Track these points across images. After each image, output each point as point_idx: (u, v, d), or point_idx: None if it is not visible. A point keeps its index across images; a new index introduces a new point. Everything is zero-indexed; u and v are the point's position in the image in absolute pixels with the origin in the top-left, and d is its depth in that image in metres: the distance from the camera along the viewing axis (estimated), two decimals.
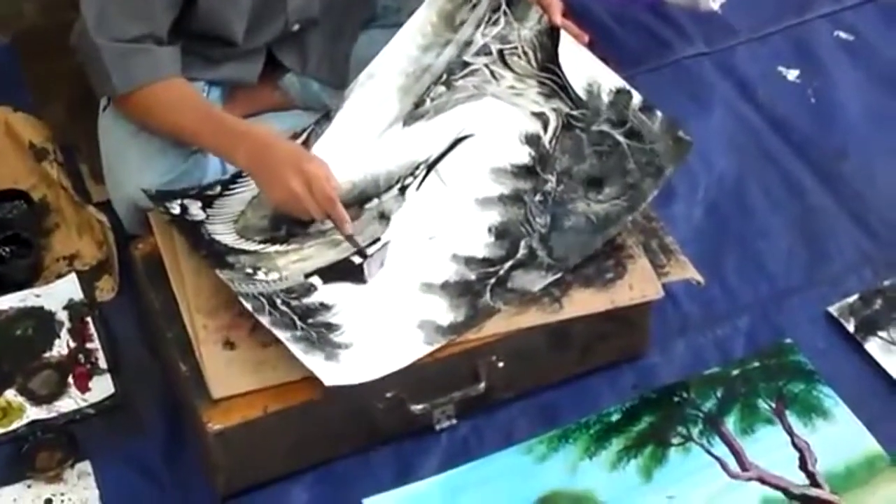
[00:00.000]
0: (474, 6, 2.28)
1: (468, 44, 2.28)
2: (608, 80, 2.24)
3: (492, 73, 2.26)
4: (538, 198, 2.17)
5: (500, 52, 2.27)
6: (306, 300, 2.05)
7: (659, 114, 2.22)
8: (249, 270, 2.07)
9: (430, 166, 2.20)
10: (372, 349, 2.01)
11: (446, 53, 2.27)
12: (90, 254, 2.40)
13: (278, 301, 2.04)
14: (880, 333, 2.25)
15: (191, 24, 2.25)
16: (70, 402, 2.19)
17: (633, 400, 2.18)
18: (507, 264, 2.11)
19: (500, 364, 2.10)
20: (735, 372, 2.20)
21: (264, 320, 2.00)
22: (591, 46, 2.68)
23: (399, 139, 2.23)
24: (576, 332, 2.13)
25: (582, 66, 2.25)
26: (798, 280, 2.35)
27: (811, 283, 2.34)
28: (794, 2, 2.86)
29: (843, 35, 2.79)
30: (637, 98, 2.23)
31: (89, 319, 2.29)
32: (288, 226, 2.13)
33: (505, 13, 2.28)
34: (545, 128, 2.23)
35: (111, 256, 2.36)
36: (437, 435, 2.14)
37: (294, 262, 2.10)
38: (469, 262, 2.12)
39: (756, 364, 2.22)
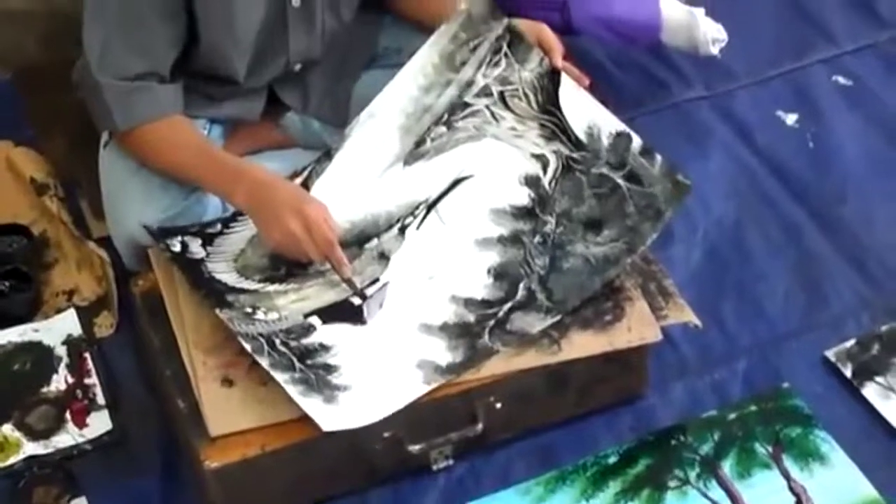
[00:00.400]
0: (475, 48, 2.29)
1: (469, 85, 2.28)
2: (608, 124, 2.25)
3: (492, 114, 2.27)
4: (537, 239, 2.18)
5: (501, 93, 2.28)
6: (305, 341, 2.05)
7: (658, 157, 2.22)
8: (249, 310, 2.07)
9: (430, 206, 2.21)
10: (371, 391, 2.01)
11: (447, 94, 2.28)
12: (89, 289, 2.40)
13: (277, 341, 2.04)
14: (878, 378, 2.25)
15: (193, 62, 2.26)
16: (67, 437, 2.18)
17: (630, 442, 2.18)
18: (506, 306, 2.12)
19: (498, 405, 2.10)
20: (732, 415, 2.20)
21: (264, 362, 2.00)
22: (591, 88, 2.70)
23: (399, 179, 2.24)
24: (574, 373, 2.13)
25: (582, 109, 2.26)
26: (796, 324, 2.36)
27: (809, 327, 2.35)
28: (792, 47, 2.88)
29: (841, 80, 2.81)
30: (637, 141, 2.23)
31: (88, 355, 2.29)
32: (287, 265, 2.13)
33: (506, 55, 2.29)
34: (545, 169, 2.24)
35: (110, 292, 2.37)
36: (434, 475, 2.14)
37: (293, 302, 2.10)
38: (468, 303, 2.13)
39: (753, 408, 2.22)
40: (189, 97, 2.26)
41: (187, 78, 2.26)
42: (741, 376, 2.28)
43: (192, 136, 2.24)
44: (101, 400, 2.23)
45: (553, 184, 2.22)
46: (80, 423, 2.20)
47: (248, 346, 2.01)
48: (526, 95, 2.27)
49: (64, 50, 2.40)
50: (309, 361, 2.02)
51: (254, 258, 2.15)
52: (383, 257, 2.16)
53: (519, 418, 2.15)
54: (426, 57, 2.28)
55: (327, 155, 2.24)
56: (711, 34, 2.64)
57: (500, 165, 2.25)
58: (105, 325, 2.36)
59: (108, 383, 2.26)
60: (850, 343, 2.30)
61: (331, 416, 1.96)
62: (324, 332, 2.07)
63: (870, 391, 2.24)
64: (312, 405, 1.97)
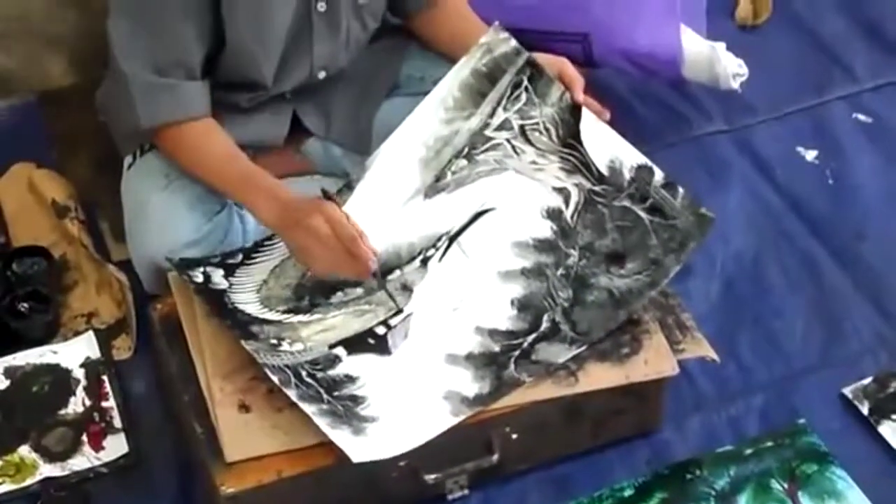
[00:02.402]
0: (496, 81, 2.29)
1: (490, 118, 2.28)
2: (630, 156, 2.26)
3: (513, 147, 2.27)
4: (560, 272, 2.18)
5: (522, 127, 2.28)
6: (331, 372, 2.05)
7: (681, 190, 2.23)
8: (274, 341, 2.07)
9: (452, 238, 2.21)
10: (398, 422, 2.01)
11: (468, 127, 2.27)
12: (108, 312, 2.41)
13: (304, 373, 2.03)
14: (894, 417, 2.25)
15: (220, 70, 2.27)
16: (84, 460, 2.19)
17: (645, 476, 2.17)
18: (531, 337, 2.12)
19: (514, 436, 2.10)
20: (748, 451, 2.20)
21: (292, 394, 2.00)
22: (611, 122, 2.71)
23: (420, 211, 2.23)
24: (590, 406, 2.13)
25: (604, 142, 2.26)
26: (813, 360, 2.35)
27: (826, 363, 2.35)
28: (813, 83, 2.88)
29: (861, 117, 2.81)
30: (659, 174, 2.24)
31: (105, 378, 2.30)
32: (311, 296, 2.13)
33: (526, 89, 2.29)
34: (567, 202, 2.24)
35: (129, 316, 2.37)
36: None
37: (318, 333, 2.10)
38: (493, 334, 2.13)
39: (769, 444, 2.21)
40: (215, 111, 2.27)
41: (213, 88, 2.27)
42: (758, 412, 2.28)
43: (221, 145, 2.22)
44: (117, 423, 2.24)
45: (575, 217, 2.22)
46: (97, 446, 2.21)
47: (275, 378, 2.01)
48: (547, 129, 2.27)
49: (88, 72, 2.41)
50: (336, 393, 2.02)
51: (276, 289, 2.15)
52: (406, 289, 2.16)
53: (534, 449, 2.15)
54: (448, 89, 2.28)
55: (348, 186, 2.24)
56: (732, 69, 2.64)
57: (522, 198, 2.25)
58: (123, 348, 2.37)
59: (125, 406, 2.26)
60: (868, 380, 2.30)
61: (360, 447, 1.96)
62: (349, 363, 2.07)
63: (886, 429, 2.23)
64: (342, 437, 1.96)
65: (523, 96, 2.28)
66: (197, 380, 2.09)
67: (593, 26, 2.68)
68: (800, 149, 2.75)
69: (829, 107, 2.84)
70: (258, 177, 2.18)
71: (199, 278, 2.14)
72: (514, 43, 2.30)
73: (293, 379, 2.02)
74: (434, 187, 2.24)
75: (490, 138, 2.27)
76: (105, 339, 2.36)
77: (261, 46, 2.25)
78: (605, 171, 2.25)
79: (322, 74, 2.37)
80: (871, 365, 2.33)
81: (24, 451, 2.20)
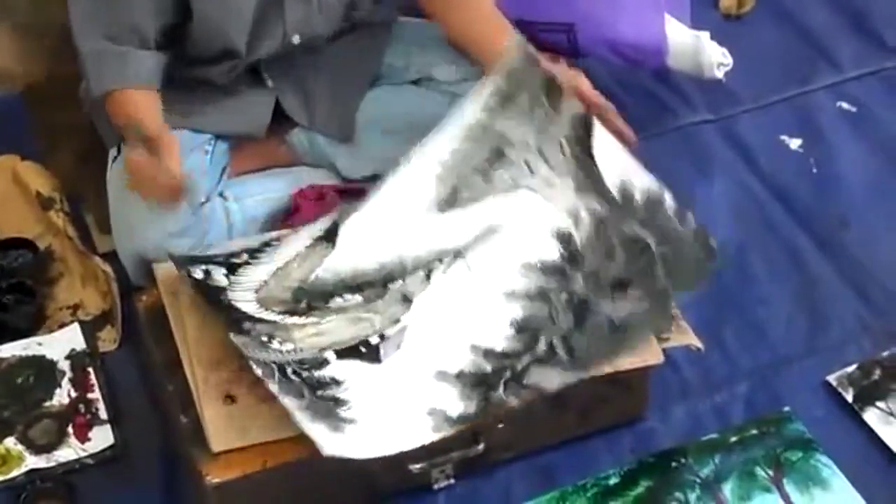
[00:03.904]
0: (514, 98, 2.26)
1: (506, 135, 2.24)
2: (642, 182, 2.22)
3: (528, 165, 2.23)
4: (564, 296, 2.13)
5: (539, 143, 2.24)
6: (318, 373, 2.03)
7: (691, 219, 2.20)
8: (265, 338, 2.05)
9: (458, 254, 2.17)
10: (377, 429, 1.99)
11: (485, 145, 2.24)
12: (94, 304, 2.41)
13: (289, 370, 2.02)
14: (879, 404, 2.25)
15: (190, 42, 2.27)
16: (69, 451, 2.19)
17: (630, 464, 2.18)
18: (525, 359, 2.08)
19: (500, 425, 2.11)
20: (733, 438, 2.21)
21: (273, 387, 1.99)
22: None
23: (431, 225, 2.19)
24: (575, 395, 2.13)
25: (617, 165, 2.23)
26: (797, 348, 2.36)
27: (811, 351, 2.35)
28: (797, 72, 2.89)
29: (845, 106, 2.81)
30: (670, 202, 2.21)
31: (91, 369, 2.30)
32: (310, 299, 2.11)
33: (543, 105, 2.26)
34: (577, 225, 2.19)
35: (114, 307, 2.37)
36: (434, 494, 2.14)
37: (310, 336, 2.07)
38: (487, 353, 2.08)
39: (754, 431, 2.22)
40: (193, 96, 2.26)
41: (186, 68, 2.28)
42: (742, 399, 2.28)
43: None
44: (103, 414, 2.24)
45: (584, 240, 2.18)
46: (83, 438, 2.21)
47: (258, 371, 2.00)
48: (561, 146, 2.24)
49: (72, 65, 2.41)
50: (319, 392, 2.00)
51: (276, 290, 2.12)
52: (406, 299, 2.13)
53: (520, 438, 2.15)
54: (467, 107, 2.25)
55: (360, 197, 2.23)
56: (716, 58, 2.65)
57: (533, 218, 2.21)
58: (108, 339, 2.37)
59: (110, 398, 2.26)
60: (852, 368, 2.31)
61: (334, 442, 1.95)
62: (337, 367, 2.05)
63: (871, 416, 2.24)
64: (317, 430, 1.95)
65: (541, 112, 2.26)
66: (182, 371, 2.09)
67: (578, 16, 2.68)
68: (784, 137, 2.75)
69: (814, 96, 2.84)
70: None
71: (200, 275, 2.12)
72: (533, 57, 2.29)
73: (277, 373, 2.00)
74: (448, 202, 2.21)
75: (506, 155, 2.23)
76: (90, 330, 2.36)
77: (227, 12, 2.24)
78: (616, 195, 2.21)
79: (296, 39, 2.36)
80: (855, 352, 2.34)
81: (10, 442, 2.20)
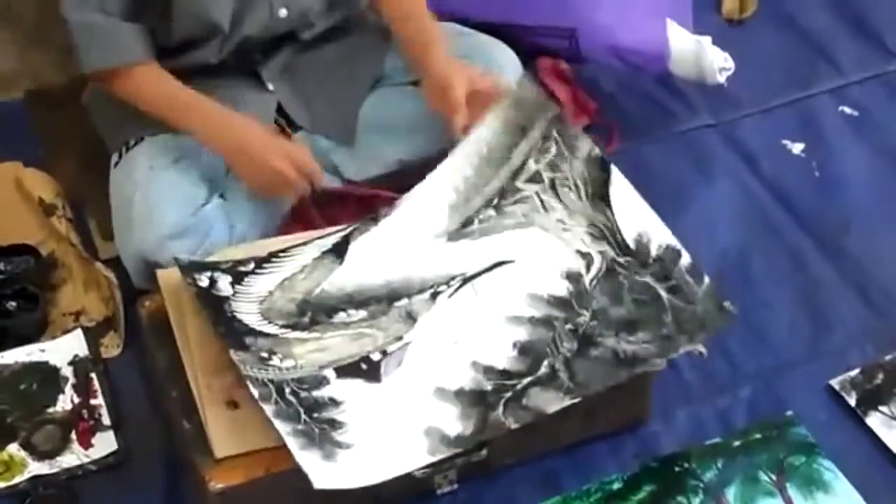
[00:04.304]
0: (527, 132, 2.26)
1: (520, 169, 2.25)
2: (659, 235, 2.21)
3: (542, 202, 2.23)
4: (569, 326, 2.12)
5: (552, 180, 2.24)
6: (316, 393, 2.02)
7: (706, 279, 2.17)
8: (265, 354, 2.04)
9: (467, 280, 2.16)
10: (372, 453, 1.97)
11: (498, 177, 2.24)
12: (97, 310, 2.41)
13: (287, 390, 2.00)
14: (881, 408, 2.25)
15: (175, 24, 2.29)
16: (72, 457, 2.19)
17: (634, 469, 2.18)
18: (526, 380, 2.06)
19: None
20: (736, 443, 2.21)
21: (269, 410, 1.97)
22: (598, 116, 2.72)
23: (441, 252, 2.19)
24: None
25: (635, 215, 2.22)
26: (800, 352, 2.36)
27: (813, 355, 2.35)
28: (799, 77, 2.89)
29: (847, 110, 2.82)
30: (686, 258, 2.18)
31: (94, 375, 2.30)
32: (314, 313, 2.11)
33: (556, 141, 2.26)
34: (588, 268, 2.18)
35: (117, 313, 2.37)
36: (437, 499, 2.14)
37: (311, 352, 2.06)
38: (488, 371, 2.07)
39: (757, 435, 2.22)
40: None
41: (177, 52, 2.30)
42: (745, 404, 2.28)
43: (161, 89, 2.31)
44: (106, 420, 2.24)
45: (594, 282, 2.16)
46: (86, 444, 2.21)
47: (255, 391, 1.99)
48: (576, 186, 2.24)
49: (75, 71, 2.41)
50: (315, 415, 1.99)
51: (280, 302, 2.12)
52: (410, 317, 2.12)
53: (523, 444, 2.15)
54: (480, 138, 2.26)
55: (373, 219, 2.22)
56: (718, 63, 2.65)
57: (544, 256, 2.19)
58: (112, 345, 2.37)
59: (113, 404, 2.27)
60: (855, 372, 2.31)
61: (326, 473, 1.93)
62: (336, 387, 2.03)
63: (874, 420, 2.24)
64: (309, 459, 1.93)
65: (553, 148, 2.26)
66: (185, 376, 2.09)
67: (580, 22, 2.69)
68: (786, 142, 2.75)
69: (816, 100, 2.84)
70: (204, 114, 2.29)
71: (205, 282, 2.12)
72: (543, 94, 2.30)
73: (274, 394, 1.99)
74: (459, 233, 2.21)
75: (520, 190, 2.24)
76: (93, 336, 2.37)
77: None
78: (631, 243, 2.19)
79: (283, 13, 2.36)
80: (857, 356, 2.34)
81: (13, 449, 2.20)
